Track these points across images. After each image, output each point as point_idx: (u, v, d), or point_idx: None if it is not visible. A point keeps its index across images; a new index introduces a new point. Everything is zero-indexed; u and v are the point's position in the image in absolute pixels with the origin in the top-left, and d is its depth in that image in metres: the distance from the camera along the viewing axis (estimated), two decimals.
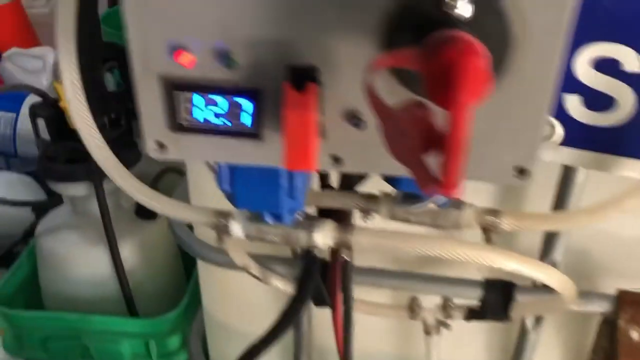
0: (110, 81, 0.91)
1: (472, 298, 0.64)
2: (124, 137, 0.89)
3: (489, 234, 0.51)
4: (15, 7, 1.77)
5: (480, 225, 0.51)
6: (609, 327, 0.66)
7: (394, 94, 0.34)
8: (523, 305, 0.62)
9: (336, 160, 0.40)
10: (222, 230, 0.50)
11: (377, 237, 0.49)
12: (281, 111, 0.35)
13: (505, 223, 0.50)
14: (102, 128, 0.50)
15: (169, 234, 1.05)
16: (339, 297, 0.63)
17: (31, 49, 1.66)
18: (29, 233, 1.26)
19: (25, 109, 1.53)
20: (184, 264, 1.10)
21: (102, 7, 1.63)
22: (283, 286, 0.65)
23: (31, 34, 1.84)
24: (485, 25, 0.32)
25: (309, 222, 0.49)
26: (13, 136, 1.53)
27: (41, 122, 0.91)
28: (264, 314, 0.81)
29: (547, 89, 0.35)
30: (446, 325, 0.69)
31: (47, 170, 0.91)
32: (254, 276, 0.65)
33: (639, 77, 0.45)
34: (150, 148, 0.40)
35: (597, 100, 0.47)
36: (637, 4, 0.44)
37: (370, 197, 0.51)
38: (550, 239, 0.62)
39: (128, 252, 0.94)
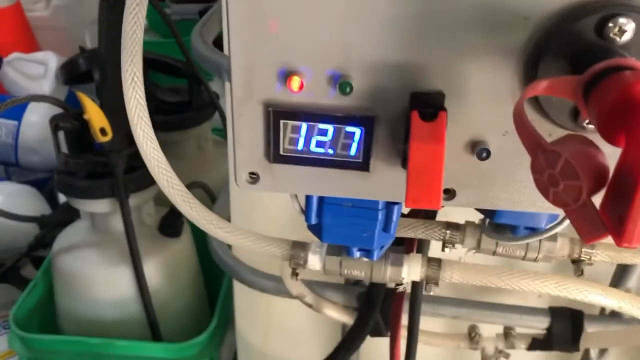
0: None
1: (537, 327, 0.61)
2: None
3: (580, 264, 0.48)
4: (15, 10, 1.71)
5: (571, 256, 0.48)
6: None
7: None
8: (595, 335, 0.59)
9: (447, 193, 0.36)
10: (297, 263, 0.46)
11: (469, 272, 0.45)
12: (408, 142, 0.31)
13: (601, 255, 0.47)
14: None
15: (192, 252, 1.01)
16: (400, 328, 0.59)
17: (33, 54, 1.59)
18: (34, 247, 1.21)
19: (28, 117, 1.47)
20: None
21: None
22: (338, 316, 0.61)
23: (31, 37, 1.77)
24: None
25: (397, 257, 0.45)
26: (15, 145, 1.47)
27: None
28: (306, 341, 0.77)
29: None
30: (506, 355, 0.65)
31: (68, 186, 0.86)
32: (307, 304, 0.61)
33: None
34: (241, 180, 0.36)
35: None
36: None
37: (455, 227, 0.47)
38: (625, 267, 0.59)
39: (152, 272, 0.90)
